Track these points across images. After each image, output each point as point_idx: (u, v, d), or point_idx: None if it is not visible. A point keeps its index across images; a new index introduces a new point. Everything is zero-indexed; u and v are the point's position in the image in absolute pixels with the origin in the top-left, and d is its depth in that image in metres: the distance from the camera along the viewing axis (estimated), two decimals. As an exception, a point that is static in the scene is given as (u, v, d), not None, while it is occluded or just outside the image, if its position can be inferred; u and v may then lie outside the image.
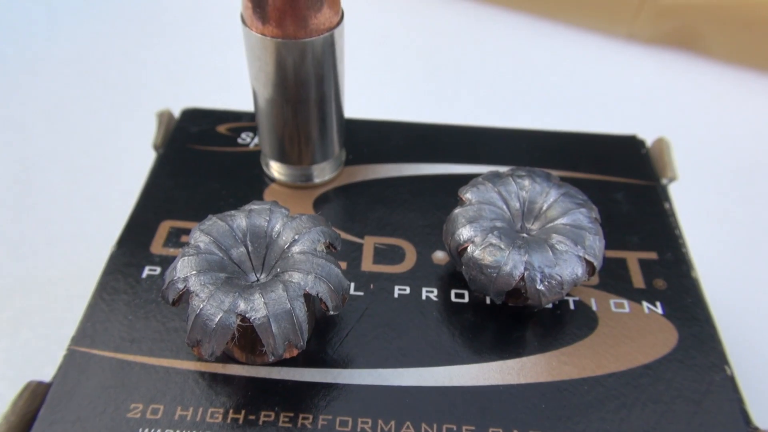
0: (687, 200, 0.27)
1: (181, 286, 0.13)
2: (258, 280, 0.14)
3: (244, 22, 0.15)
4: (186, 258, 0.13)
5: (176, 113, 0.21)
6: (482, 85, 0.34)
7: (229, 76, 0.33)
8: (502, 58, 0.36)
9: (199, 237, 0.13)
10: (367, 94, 0.32)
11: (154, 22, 0.37)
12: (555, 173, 0.19)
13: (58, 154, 0.29)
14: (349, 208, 0.18)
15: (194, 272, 0.13)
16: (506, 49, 0.37)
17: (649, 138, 0.21)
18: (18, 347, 0.22)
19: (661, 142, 0.20)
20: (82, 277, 0.24)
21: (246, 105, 0.25)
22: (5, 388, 0.21)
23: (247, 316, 0.12)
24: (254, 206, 0.14)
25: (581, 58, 0.36)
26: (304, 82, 0.16)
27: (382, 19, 0.38)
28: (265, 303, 0.12)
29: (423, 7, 0.39)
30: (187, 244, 0.13)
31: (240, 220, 0.14)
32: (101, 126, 0.30)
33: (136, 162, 0.29)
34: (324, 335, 0.15)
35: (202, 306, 0.12)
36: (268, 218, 0.14)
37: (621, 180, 0.19)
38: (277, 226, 0.14)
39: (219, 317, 0.12)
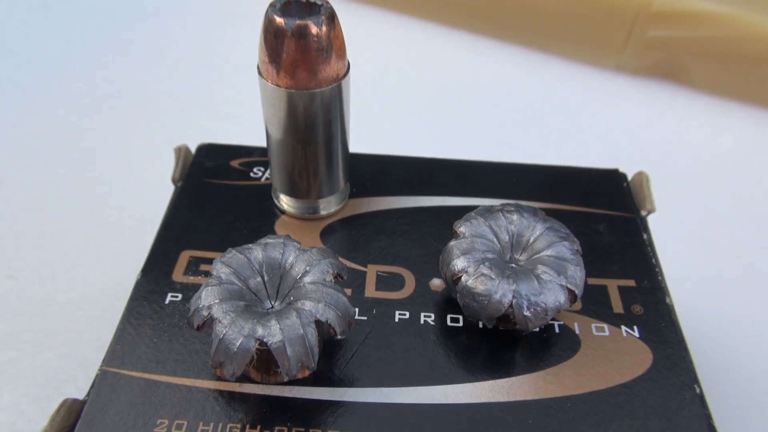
0: (671, 228, 0.29)
1: (205, 313, 0.14)
2: (273, 307, 0.15)
3: (260, 73, 0.17)
4: (209, 288, 0.14)
5: (189, 144, 0.22)
6: (477, 115, 0.36)
7: (241, 109, 0.35)
8: (496, 90, 0.38)
9: (221, 268, 0.15)
10: (368, 126, 0.33)
11: (168, 54, 0.39)
12: (542, 205, 0.20)
13: (76, 183, 0.30)
14: (353, 239, 0.19)
15: (217, 301, 0.14)
16: (500, 81, 0.38)
17: (633, 169, 0.22)
18: (39, 366, 0.23)
19: (640, 176, 0.21)
20: (100, 300, 0.26)
21: (255, 135, 0.27)
22: (28, 405, 0.22)
23: (264, 340, 0.14)
24: (269, 240, 0.16)
25: (572, 87, 0.38)
26: (313, 125, 0.17)
27: (381, 51, 0.40)
28: (280, 329, 0.14)
29: (417, 38, 0.41)
30: (209, 274, 0.15)
31: (257, 252, 0.15)
32: (117, 156, 0.32)
33: (150, 190, 0.30)
34: (331, 357, 0.16)
35: (224, 332, 0.14)
36: (282, 251, 0.15)
37: (603, 212, 0.20)
38: (290, 259, 0.15)
39: (240, 342, 0.13)
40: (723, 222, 0.30)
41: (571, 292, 0.16)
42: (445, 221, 0.20)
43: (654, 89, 0.38)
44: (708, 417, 0.15)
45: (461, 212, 0.18)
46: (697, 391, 0.16)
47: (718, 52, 0.36)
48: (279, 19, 0.15)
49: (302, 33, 0.15)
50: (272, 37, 0.16)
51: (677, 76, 0.39)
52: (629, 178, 0.22)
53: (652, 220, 0.21)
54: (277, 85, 0.17)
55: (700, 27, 0.36)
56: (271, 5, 0.16)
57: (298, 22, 0.15)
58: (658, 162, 0.33)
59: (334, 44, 0.16)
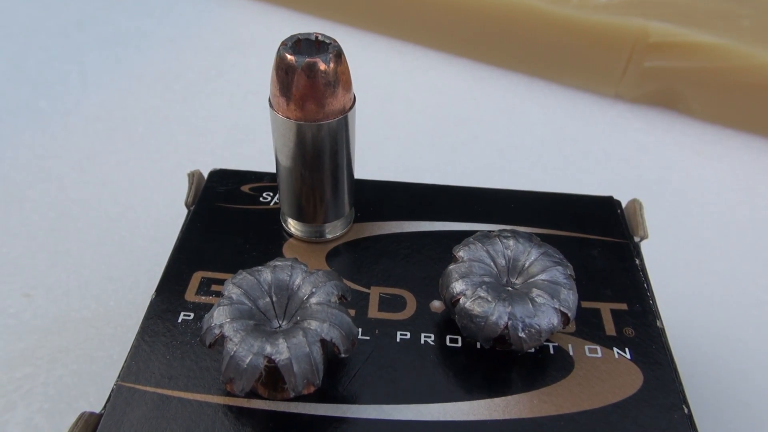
0: (667, 253, 0.30)
1: (217, 331, 0.15)
2: (280, 326, 0.16)
3: (271, 106, 0.18)
4: (221, 307, 0.15)
5: (201, 169, 0.23)
6: (478, 142, 0.37)
7: (251, 135, 0.36)
8: (497, 117, 0.39)
9: (232, 289, 0.16)
10: (372, 152, 0.34)
11: (180, 80, 0.40)
12: (539, 231, 0.21)
13: (91, 205, 0.31)
14: (357, 261, 0.20)
15: (228, 320, 0.15)
16: (501, 108, 0.40)
17: (629, 195, 0.23)
18: (53, 382, 0.24)
19: (634, 203, 0.22)
20: (112, 318, 0.27)
21: (264, 159, 0.28)
22: (42, 420, 0.23)
23: (273, 357, 0.14)
24: (278, 262, 0.17)
25: (572, 115, 0.39)
26: (320, 154, 0.18)
27: (386, 78, 0.41)
28: (288, 347, 0.14)
29: (420, 66, 0.43)
30: (221, 294, 0.16)
31: (266, 274, 0.16)
32: (130, 179, 0.33)
33: (161, 213, 0.31)
34: (335, 375, 0.17)
35: (235, 349, 0.14)
36: (290, 273, 0.16)
37: (598, 237, 0.21)
38: (298, 280, 0.16)
39: (249, 359, 0.14)
40: (716, 248, 0.30)
41: (564, 314, 0.16)
42: (445, 246, 0.21)
43: (652, 117, 0.39)
44: (696, 436, 0.16)
45: (460, 237, 0.19)
46: (686, 411, 0.16)
47: (714, 82, 0.37)
48: (290, 57, 0.17)
49: (311, 69, 0.17)
50: (283, 73, 0.17)
51: (674, 105, 0.40)
52: (623, 205, 0.23)
53: (646, 245, 0.22)
54: (287, 117, 0.18)
55: (696, 58, 0.37)
56: (283, 44, 0.17)
57: (307, 59, 0.16)
58: (655, 188, 0.34)
59: (341, 79, 0.17)
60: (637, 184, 0.34)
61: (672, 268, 0.29)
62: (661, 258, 0.26)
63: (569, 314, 0.16)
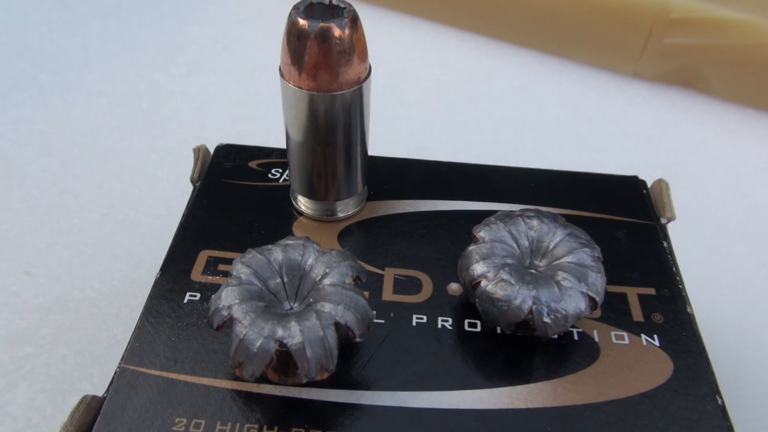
0: (690, 236, 0.29)
1: (225, 313, 0.14)
2: (292, 308, 0.15)
3: (282, 75, 0.17)
4: (230, 288, 0.14)
5: (207, 144, 0.22)
6: (493, 120, 0.36)
7: (258, 111, 0.35)
8: (512, 95, 0.38)
9: (241, 269, 0.15)
10: (386, 130, 0.33)
11: (185, 54, 0.39)
12: (561, 211, 0.20)
13: (93, 181, 0.30)
14: (370, 241, 0.19)
15: (237, 301, 0.14)
16: (516, 86, 0.38)
17: (650, 176, 0.22)
18: (55, 362, 0.23)
19: (660, 183, 0.21)
20: (116, 297, 0.26)
21: (272, 137, 0.27)
22: (44, 400, 0.22)
23: (284, 341, 0.14)
24: (289, 241, 0.16)
25: (588, 93, 0.38)
26: (333, 127, 0.17)
27: (399, 55, 0.40)
28: (300, 330, 0.14)
29: (435, 42, 0.41)
30: (229, 274, 0.15)
31: (276, 253, 0.15)
32: (134, 155, 0.32)
33: (165, 190, 0.30)
34: (348, 360, 0.16)
35: (245, 332, 0.14)
36: (302, 253, 0.15)
37: (623, 219, 0.20)
38: (310, 260, 0.15)
39: (260, 342, 0.14)
40: (741, 230, 0.29)
41: (591, 299, 0.16)
42: (463, 226, 0.20)
43: (671, 96, 0.38)
44: (730, 429, 0.15)
45: (478, 217, 0.18)
46: (719, 402, 0.15)
47: (737, 60, 0.36)
48: (302, 22, 0.15)
49: (325, 35, 0.16)
50: (295, 40, 0.16)
51: (695, 84, 0.38)
52: (649, 185, 0.22)
53: (669, 228, 0.21)
54: (298, 87, 0.17)
55: (719, 34, 0.36)
56: (295, 8, 0.16)
57: (321, 24, 0.15)
58: (674, 170, 0.33)
59: (356, 47, 0.16)
60: (655, 166, 0.33)
61: (692, 251, 0.28)
62: (681, 241, 0.25)
63: (597, 299, 0.16)
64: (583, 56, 0.40)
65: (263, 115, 0.35)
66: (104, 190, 0.30)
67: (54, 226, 0.28)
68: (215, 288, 0.17)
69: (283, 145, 0.21)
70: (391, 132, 0.34)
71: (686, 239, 0.28)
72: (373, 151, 0.22)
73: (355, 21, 0.16)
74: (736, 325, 0.24)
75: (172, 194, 0.30)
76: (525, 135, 0.35)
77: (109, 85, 0.36)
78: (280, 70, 0.17)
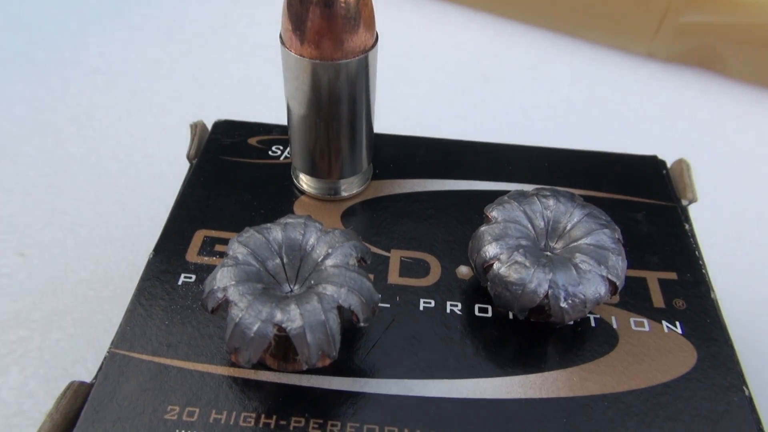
0: (706, 220, 0.27)
1: (220, 295, 0.13)
2: (292, 291, 0.14)
3: (283, 42, 0.16)
4: (225, 269, 0.13)
5: (202, 120, 0.21)
6: (503, 100, 0.34)
7: (258, 89, 0.34)
8: (522, 74, 0.36)
9: (238, 248, 0.14)
10: (392, 107, 0.32)
11: (185, 31, 0.38)
12: (577, 192, 0.19)
13: (89, 160, 0.29)
14: (375, 222, 0.18)
15: (233, 282, 0.13)
16: (527, 65, 0.37)
17: (668, 157, 0.21)
18: (48, 346, 0.23)
19: (681, 164, 0.20)
20: (111, 280, 0.25)
21: (272, 116, 0.26)
22: (37, 385, 0.21)
23: (283, 326, 0.13)
24: (289, 219, 0.15)
25: (601, 74, 0.37)
26: (337, 100, 0.16)
27: (405, 33, 0.39)
28: (300, 314, 0.13)
29: (444, 20, 0.40)
30: (225, 254, 0.14)
31: (276, 232, 0.14)
32: (131, 133, 0.31)
33: (164, 169, 0.29)
34: (352, 345, 0.15)
35: (241, 315, 0.13)
36: (303, 232, 0.14)
37: (642, 200, 0.19)
38: (312, 240, 0.14)
39: (257, 326, 0.13)
40: (759, 214, 0.28)
41: (611, 283, 0.15)
42: (473, 206, 0.19)
43: (687, 77, 0.37)
44: (758, 422, 0.14)
45: (489, 197, 0.17)
46: (746, 393, 0.14)
47: (755, 40, 0.35)
48: (305, -17, 0.14)
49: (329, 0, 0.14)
50: (297, 3, 0.15)
51: (711, 64, 0.37)
52: (668, 165, 0.21)
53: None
54: (300, 56, 0.15)
55: (737, 12, 0.35)
56: (297, -32, 0.15)
57: (325, -14, 0.14)
58: (690, 152, 0.32)
59: (362, 12, 0.15)
60: (670, 149, 0.32)
61: (710, 236, 0.27)
62: (697, 225, 0.24)
63: (618, 283, 0.15)
64: (595, 35, 0.39)
65: (264, 93, 0.34)
66: (100, 170, 0.29)
67: (48, 207, 0.27)
68: (211, 269, 0.16)
69: (283, 122, 0.20)
70: (397, 112, 0.33)
71: (703, 223, 0.27)
72: (379, 129, 0.21)
73: (361, -16, 0.15)
74: (760, 312, 0.23)
75: (170, 174, 0.29)
76: (535, 116, 0.34)
77: (106, 63, 0.35)
78: (280, 36, 0.16)
